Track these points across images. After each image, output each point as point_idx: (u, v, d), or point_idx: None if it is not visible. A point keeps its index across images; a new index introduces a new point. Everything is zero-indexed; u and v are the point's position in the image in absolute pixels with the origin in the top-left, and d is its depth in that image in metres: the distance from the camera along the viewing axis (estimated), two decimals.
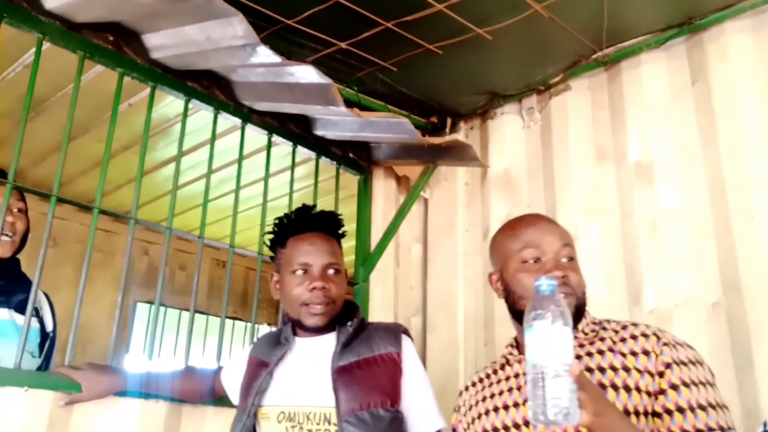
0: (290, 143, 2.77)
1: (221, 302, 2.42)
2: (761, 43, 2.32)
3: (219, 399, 2.02)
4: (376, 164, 3.16)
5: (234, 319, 5.70)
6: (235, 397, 1.84)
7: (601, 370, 1.29)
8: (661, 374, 1.24)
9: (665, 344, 1.28)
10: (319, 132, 2.80)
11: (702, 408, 1.20)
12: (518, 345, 1.51)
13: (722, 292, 2.21)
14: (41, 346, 2.12)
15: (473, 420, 1.48)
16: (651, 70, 2.59)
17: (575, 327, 1.39)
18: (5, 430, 1.68)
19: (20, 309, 2.01)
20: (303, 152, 2.86)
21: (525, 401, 1.36)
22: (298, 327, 1.74)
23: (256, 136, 2.72)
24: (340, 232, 1.81)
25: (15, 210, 2.06)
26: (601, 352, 1.33)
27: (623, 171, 2.59)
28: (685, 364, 1.25)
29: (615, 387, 1.26)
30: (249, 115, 2.61)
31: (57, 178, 1.99)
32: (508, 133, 3.05)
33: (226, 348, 5.52)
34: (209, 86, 2.48)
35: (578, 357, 1.34)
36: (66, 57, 2.14)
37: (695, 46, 2.49)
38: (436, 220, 3.26)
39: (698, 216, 2.33)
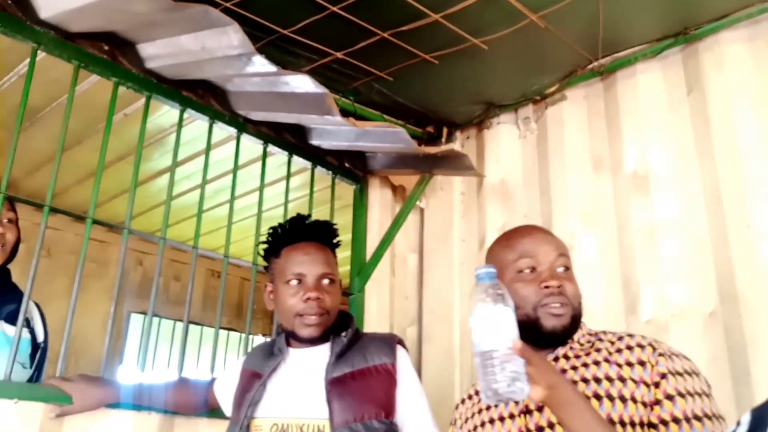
0: (286, 153, 2.76)
1: (216, 313, 2.40)
2: (757, 53, 2.33)
3: (212, 411, 1.99)
4: (371, 174, 3.16)
5: (229, 329, 5.67)
6: (228, 408, 1.82)
7: (597, 380, 1.28)
8: (656, 384, 1.23)
9: (661, 354, 1.27)
10: (314, 142, 2.80)
11: (697, 419, 1.18)
12: None
13: (719, 302, 2.20)
14: (32, 357, 2.10)
15: None
16: (647, 79, 2.59)
17: (571, 337, 1.38)
18: None
19: (10, 319, 1.99)
20: (298, 162, 2.85)
21: (521, 412, 1.35)
22: (291, 338, 1.72)
23: (251, 145, 2.71)
24: (335, 241, 1.80)
25: (5, 220, 2.04)
26: (596, 363, 1.32)
27: (619, 180, 2.59)
28: (680, 374, 1.24)
29: (610, 397, 1.25)
30: (244, 125, 2.60)
31: (50, 188, 1.98)
32: (504, 142, 3.05)
33: (220, 359, 5.49)
34: (204, 96, 2.47)
35: (574, 368, 1.34)
36: (61, 67, 2.13)
37: (691, 55, 2.49)
38: (432, 229, 3.25)
39: (695, 226, 2.33)
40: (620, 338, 1.37)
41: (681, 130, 2.46)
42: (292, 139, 2.78)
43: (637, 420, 1.22)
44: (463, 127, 3.24)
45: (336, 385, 1.59)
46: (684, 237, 2.34)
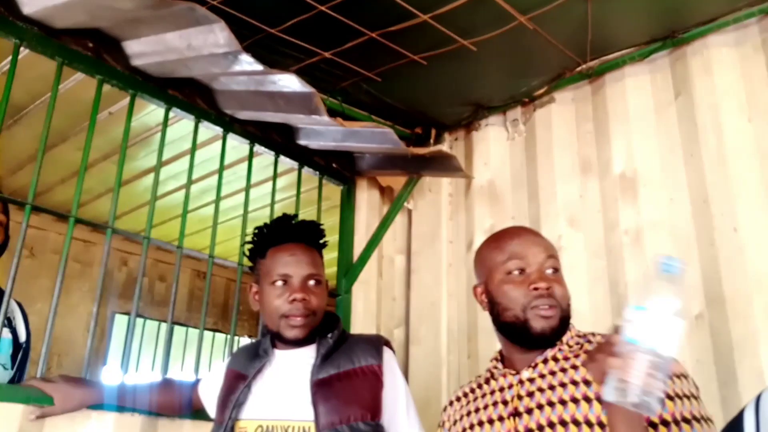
0: (272, 153, 2.74)
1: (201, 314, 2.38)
2: (744, 57, 2.34)
3: (197, 412, 1.97)
4: (359, 175, 3.14)
5: (214, 330, 5.63)
6: (212, 410, 1.79)
7: (586, 383, 1.28)
8: None
9: None
10: (302, 142, 2.78)
11: (686, 421, 1.18)
12: (503, 358, 1.49)
13: (705, 304, 2.21)
14: (14, 357, 2.07)
15: None
16: (635, 83, 2.60)
17: (560, 339, 1.38)
18: None
19: None
20: (285, 162, 2.83)
21: (510, 415, 1.34)
22: (277, 339, 1.70)
23: (237, 145, 2.69)
24: (322, 242, 1.78)
25: None
26: (585, 365, 1.31)
27: (607, 183, 2.59)
28: (669, 377, 1.24)
29: (600, 401, 1.24)
30: (231, 124, 2.57)
31: (32, 186, 1.95)
32: (493, 144, 3.05)
33: (205, 361, 5.45)
34: (190, 94, 2.44)
35: (563, 369, 1.33)
36: (45, 64, 2.10)
37: (678, 59, 2.50)
38: (419, 231, 3.24)
39: (681, 228, 2.34)
40: None
41: (669, 133, 2.47)
42: (279, 138, 2.76)
43: None
44: (452, 129, 3.24)
45: (321, 387, 1.57)
46: (671, 239, 2.35)
